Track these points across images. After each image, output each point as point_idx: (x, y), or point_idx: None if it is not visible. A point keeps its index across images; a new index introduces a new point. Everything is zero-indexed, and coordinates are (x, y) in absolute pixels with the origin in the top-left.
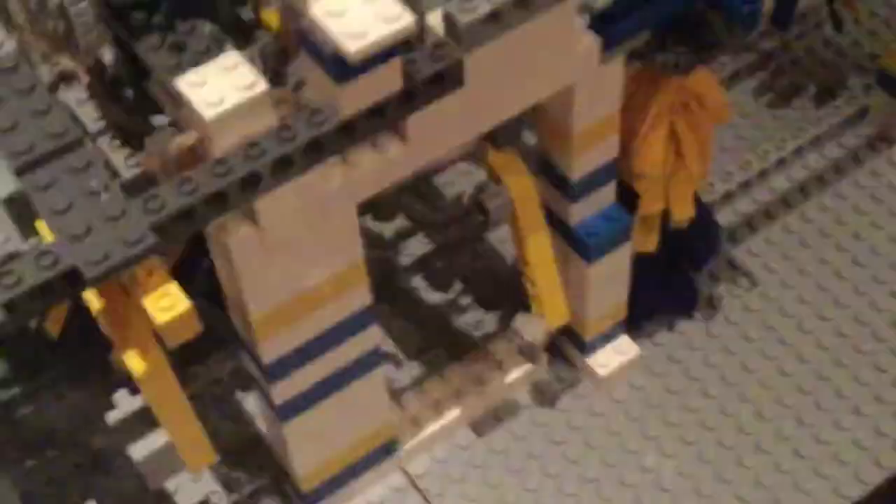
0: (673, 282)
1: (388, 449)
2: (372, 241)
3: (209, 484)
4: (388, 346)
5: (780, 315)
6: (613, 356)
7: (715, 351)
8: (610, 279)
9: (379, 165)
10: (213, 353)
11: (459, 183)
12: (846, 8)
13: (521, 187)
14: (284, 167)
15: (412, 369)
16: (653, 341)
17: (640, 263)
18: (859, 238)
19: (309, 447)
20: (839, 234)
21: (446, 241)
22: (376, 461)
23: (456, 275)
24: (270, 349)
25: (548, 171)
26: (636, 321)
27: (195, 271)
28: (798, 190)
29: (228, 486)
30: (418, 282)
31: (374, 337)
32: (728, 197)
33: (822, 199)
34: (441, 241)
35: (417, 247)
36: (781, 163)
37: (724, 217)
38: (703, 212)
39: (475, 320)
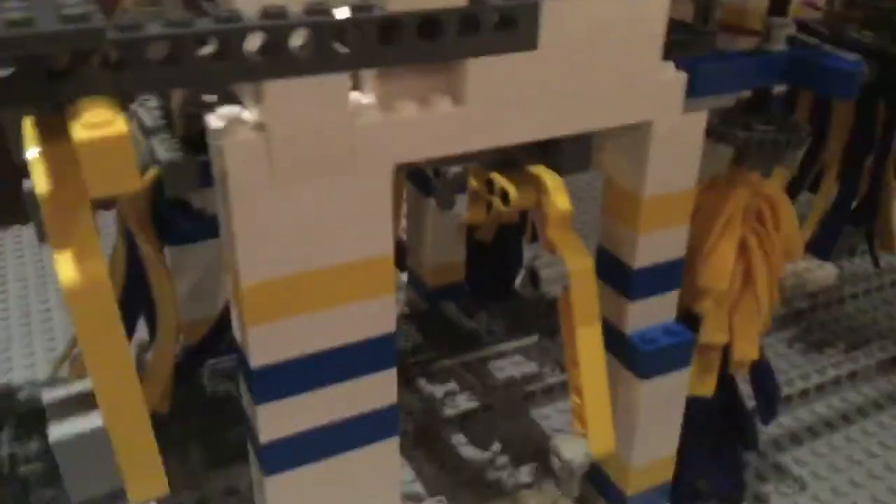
0: (722, 460)
1: None
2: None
3: None
4: (417, 487)
5: None
6: None
7: None
8: (662, 413)
9: (425, 123)
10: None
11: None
12: (884, 250)
13: (579, 263)
14: (318, 51)
15: (438, 502)
16: None
17: (691, 434)
18: None
19: None
20: (887, 454)
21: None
22: None
23: (496, 436)
24: (261, 346)
25: (608, 268)
26: (679, 491)
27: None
28: (840, 416)
29: None
30: (458, 437)
31: (392, 388)
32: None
33: (863, 425)
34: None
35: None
36: (821, 388)
37: (768, 429)
38: (765, 367)
39: (508, 475)
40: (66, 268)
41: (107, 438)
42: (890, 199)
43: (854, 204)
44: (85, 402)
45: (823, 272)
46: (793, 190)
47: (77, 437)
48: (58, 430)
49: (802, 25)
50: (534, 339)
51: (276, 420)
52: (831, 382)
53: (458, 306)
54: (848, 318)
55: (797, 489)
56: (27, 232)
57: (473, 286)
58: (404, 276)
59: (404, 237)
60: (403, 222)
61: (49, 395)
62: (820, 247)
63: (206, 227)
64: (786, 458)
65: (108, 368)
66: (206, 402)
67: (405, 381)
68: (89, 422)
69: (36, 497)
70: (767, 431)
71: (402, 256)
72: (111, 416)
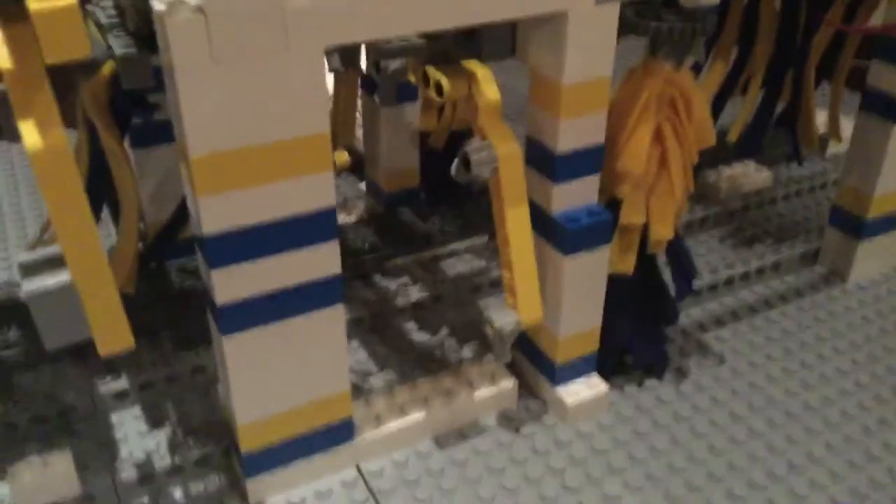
0: (645, 334)
1: (340, 434)
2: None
3: (154, 439)
4: (370, 366)
5: (749, 387)
6: (583, 388)
7: (685, 407)
8: (586, 287)
9: (353, 6)
10: (204, 343)
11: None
12: (807, 148)
13: (507, 148)
14: None
15: (386, 375)
16: (624, 392)
17: (615, 309)
18: (821, 339)
19: (251, 384)
20: (802, 334)
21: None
22: (327, 443)
23: (444, 323)
24: (211, 215)
25: (535, 154)
26: (606, 362)
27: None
28: (763, 302)
29: (174, 448)
30: (410, 325)
31: (335, 259)
32: (696, 293)
33: (783, 309)
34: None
35: (415, 294)
36: (746, 277)
37: (694, 312)
38: (680, 247)
39: (455, 354)
40: (30, 133)
41: (76, 293)
42: (810, 101)
43: (783, 106)
44: (55, 263)
45: (759, 175)
46: (723, 94)
47: (48, 290)
48: (30, 285)
49: None
50: (483, 239)
51: (229, 284)
52: (755, 272)
53: (412, 210)
54: (778, 217)
55: (717, 363)
56: None
57: (427, 191)
58: (363, 186)
59: (361, 147)
60: (359, 132)
61: (22, 258)
62: (747, 146)
63: (167, 129)
64: (708, 337)
65: (74, 226)
66: (174, 296)
67: (361, 277)
68: (59, 277)
69: (16, 380)
70: (693, 315)
71: (359, 165)
72: (78, 272)
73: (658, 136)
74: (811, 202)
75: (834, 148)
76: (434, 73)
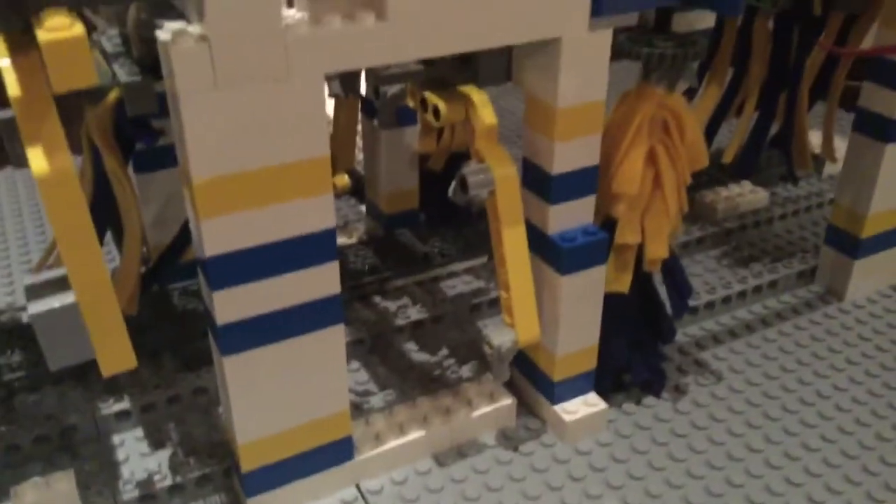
0: (642, 352)
1: (340, 453)
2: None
3: (156, 459)
4: (371, 386)
5: (746, 404)
6: (581, 406)
7: (682, 424)
8: (582, 306)
9: (350, 35)
10: (205, 364)
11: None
12: (801, 169)
13: (503, 170)
14: None
15: (386, 395)
16: (622, 410)
17: (613, 328)
18: (818, 357)
19: (252, 403)
20: (799, 352)
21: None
22: (327, 462)
23: (443, 343)
24: (213, 237)
25: (531, 175)
26: (604, 380)
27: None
28: (759, 320)
29: (175, 468)
30: (409, 345)
31: (335, 280)
32: (694, 311)
33: (780, 328)
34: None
35: (414, 315)
36: (743, 295)
37: (691, 330)
38: (675, 266)
39: (455, 373)
40: (37, 159)
41: (79, 314)
42: (803, 123)
43: (778, 128)
44: (60, 285)
45: (756, 196)
46: (718, 116)
47: (52, 310)
48: (35, 307)
49: None
50: (482, 260)
51: (230, 305)
52: (752, 290)
53: (412, 232)
54: (775, 237)
55: (715, 380)
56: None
57: (427, 213)
58: (363, 208)
59: (361, 170)
60: (360, 155)
61: (28, 281)
62: (743, 167)
63: (169, 154)
64: (706, 355)
65: (78, 249)
66: (176, 318)
67: (362, 298)
68: (63, 299)
69: (19, 401)
70: (690, 333)
71: (360, 188)
72: (82, 293)
73: (652, 158)
74: (808, 222)
75: (830, 168)
76: (432, 98)
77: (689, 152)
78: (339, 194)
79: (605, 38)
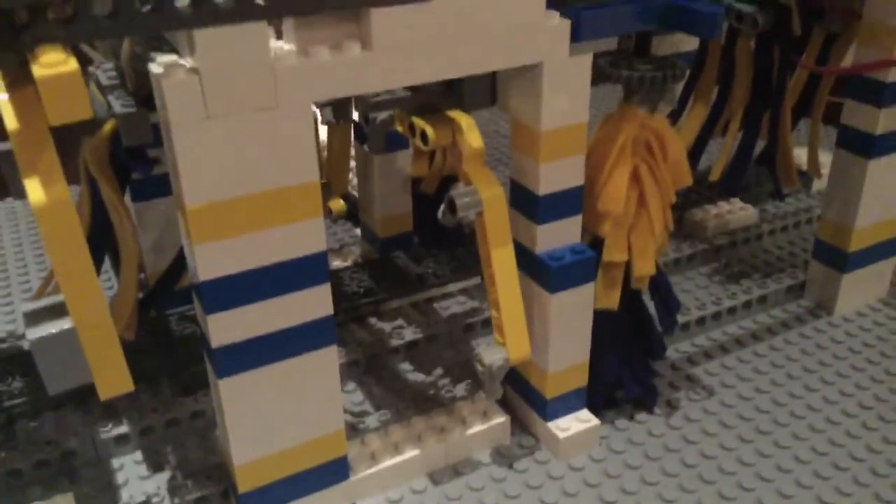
0: (633, 368)
1: (336, 473)
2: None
3: (155, 482)
4: (366, 406)
5: (738, 419)
6: (574, 423)
7: (675, 439)
8: (572, 323)
9: (337, 65)
10: (202, 388)
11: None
12: (786, 186)
13: (490, 192)
14: (237, 2)
15: (381, 415)
16: (615, 426)
17: (603, 345)
18: (808, 371)
19: (247, 425)
20: (789, 366)
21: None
22: (323, 482)
23: (438, 362)
24: (206, 262)
25: (518, 196)
26: (596, 396)
27: None
28: (750, 335)
29: (174, 491)
30: (404, 365)
31: (327, 301)
32: (685, 327)
33: (771, 342)
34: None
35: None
36: (734, 311)
37: (683, 346)
38: (663, 282)
39: (449, 392)
40: (35, 191)
41: (77, 339)
42: (787, 140)
43: (763, 146)
44: (58, 311)
45: (745, 213)
46: (704, 135)
47: (50, 336)
48: (34, 332)
49: None
50: (475, 280)
51: (224, 328)
52: (743, 306)
53: (407, 254)
54: (764, 253)
55: (706, 395)
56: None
57: (421, 235)
58: (358, 231)
59: (356, 195)
60: (354, 179)
61: (26, 307)
62: (729, 185)
63: (165, 182)
64: (697, 370)
65: (76, 277)
66: (173, 343)
67: (357, 320)
68: (61, 324)
69: (19, 427)
70: (682, 348)
71: (354, 212)
72: (81, 320)
73: (635, 178)
74: (796, 237)
75: (819, 184)
76: (419, 123)
77: (673, 171)
78: (336, 219)
79: (585, 62)
